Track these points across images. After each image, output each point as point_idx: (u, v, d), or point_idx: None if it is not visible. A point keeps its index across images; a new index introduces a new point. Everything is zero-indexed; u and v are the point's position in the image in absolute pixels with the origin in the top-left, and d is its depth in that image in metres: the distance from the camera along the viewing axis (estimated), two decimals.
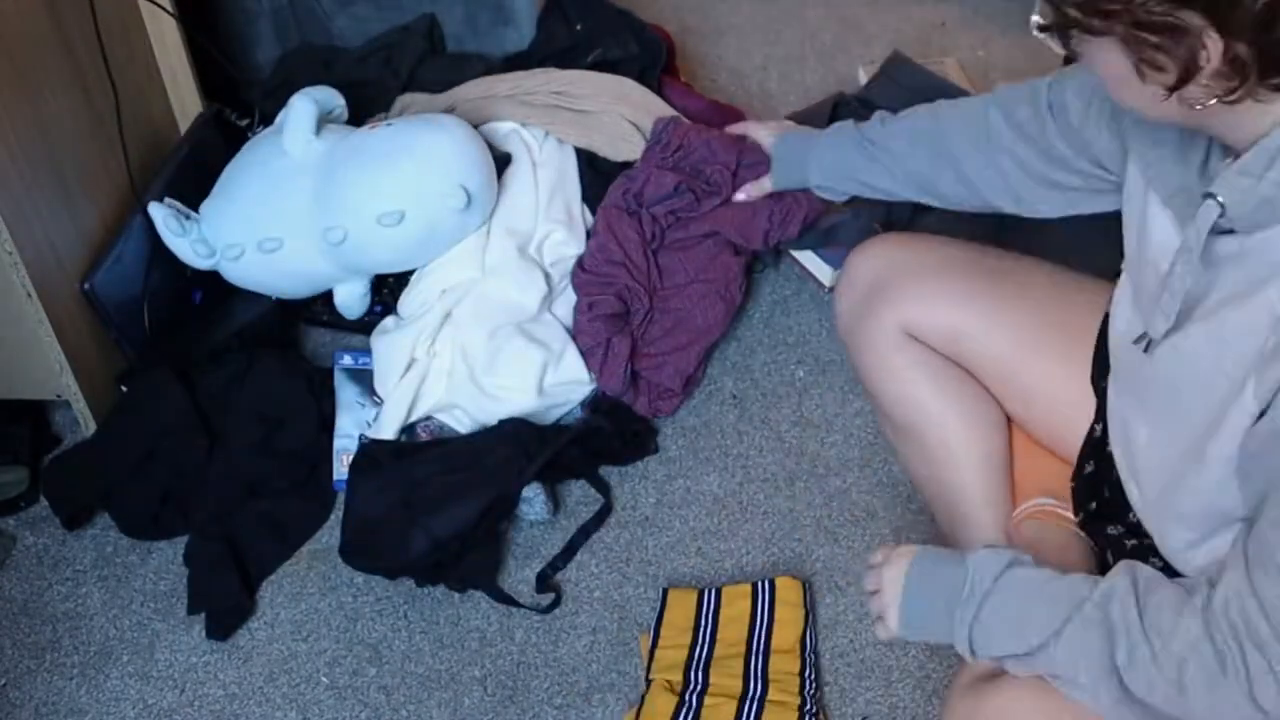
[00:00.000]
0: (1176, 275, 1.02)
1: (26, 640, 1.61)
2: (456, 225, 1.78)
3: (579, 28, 2.09)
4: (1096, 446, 1.29)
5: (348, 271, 1.83)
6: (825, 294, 1.97)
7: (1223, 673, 0.96)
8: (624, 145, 1.93)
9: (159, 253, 1.79)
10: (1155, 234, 1.12)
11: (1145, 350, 1.11)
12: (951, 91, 2.12)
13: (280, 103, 1.85)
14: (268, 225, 1.77)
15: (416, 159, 1.74)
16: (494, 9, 2.15)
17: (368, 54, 2.13)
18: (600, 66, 2.04)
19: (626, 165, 1.94)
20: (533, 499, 1.66)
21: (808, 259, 1.99)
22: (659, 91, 2.03)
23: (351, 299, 1.86)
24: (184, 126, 1.97)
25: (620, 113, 1.94)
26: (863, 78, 2.23)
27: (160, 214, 1.76)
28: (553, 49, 2.10)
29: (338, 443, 1.76)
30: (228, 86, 2.10)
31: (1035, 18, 0.99)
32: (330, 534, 1.70)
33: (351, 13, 2.17)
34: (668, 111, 1.98)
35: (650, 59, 2.09)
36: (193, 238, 1.78)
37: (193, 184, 1.84)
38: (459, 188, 1.73)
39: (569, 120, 1.94)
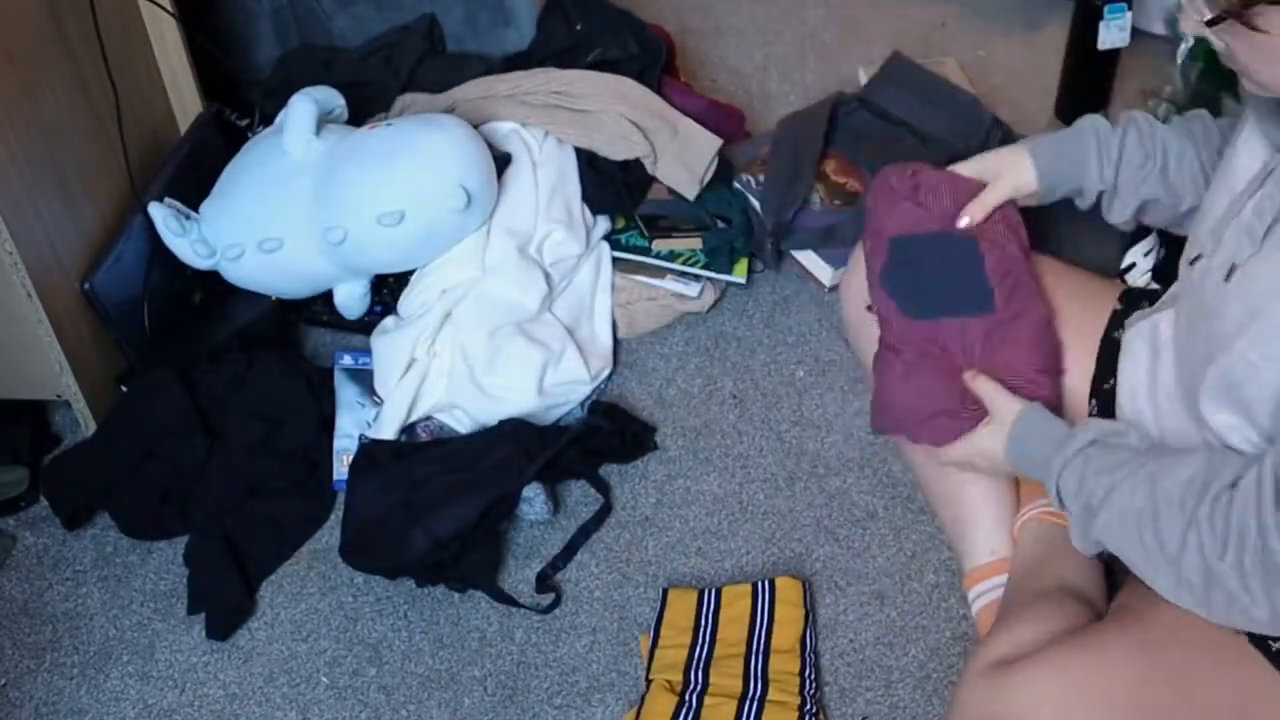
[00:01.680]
0: (1267, 197, 1.05)
1: (26, 640, 1.61)
2: (456, 225, 1.78)
3: (579, 28, 2.09)
4: None
5: (348, 271, 1.83)
6: (825, 294, 1.97)
7: None
8: (624, 145, 1.93)
9: (159, 253, 1.79)
10: (1242, 157, 1.15)
11: (1226, 279, 1.11)
12: (952, 91, 2.13)
13: (280, 103, 1.85)
14: (268, 225, 1.77)
15: (417, 159, 1.74)
16: (494, 9, 2.15)
17: (368, 54, 2.14)
18: (600, 66, 2.03)
19: (626, 165, 1.94)
20: (533, 499, 1.66)
21: (808, 259, 1.99)
22: (659, 91, 2.03)
23: (351, 299, 1.86)
24: (184, 126, 1.97)
25: (620, 112, 1.94)
26: (863, 78, 2.23)
27: (160, 214, 1.76)
28: (553, 49, 2.10)
29: (338, 443, 1.75)
30: (228, 86, 2.10)
31: (1194, 17, 1.01)
32: (330, 534, 1.70)
33: (351, 13, 2.17)
34: (668, 112, 1.98)
35: (650, 59, 2.09)
36: (193, 238, 1.78)
37: (193, 184, 1.84)
38: (459, 188, 1.73)
39: (569, 120, 1.94)
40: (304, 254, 1.78)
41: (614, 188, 1.94)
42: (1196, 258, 1.18)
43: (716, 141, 1.97)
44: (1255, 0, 0.97)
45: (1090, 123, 1.37)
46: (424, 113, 1.92)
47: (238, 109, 2.08)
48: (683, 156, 1.95)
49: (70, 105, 1.69)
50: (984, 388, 1.30)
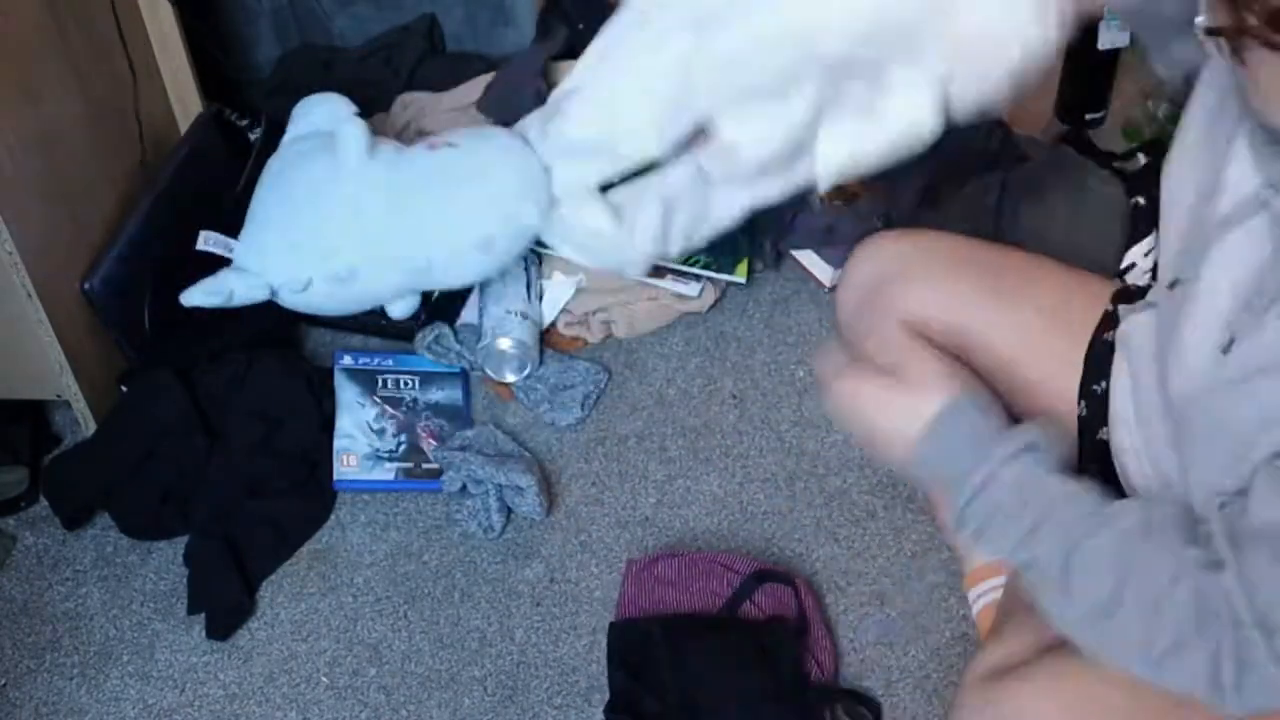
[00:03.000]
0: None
1: (26, 640, 1.61)
2: (531, 237, 1.67)
3: (579, 28, 2.09)
4: (1099, 450, 1.29)
5: (418, 290, 1.68)
6: (825, 293, 1.97)
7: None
8: None
9: (159, 253, 1.79)
10: (1231, 171, 1.09)
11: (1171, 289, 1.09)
12: None
13: (280, 103, 1.84)
14: (336, 252, 1.60)
15: (496, 182, 1.61)
16: (494, 9, 2.15)
17: (368, 54, 2.14)
18: None
19: None
20: (525, 489, 1.65)
21: (808, 258, 1.99)
22: None
23: (407, 309, 1.74)
24: (184, 126, 1.97)
25: None
26: None
27: (215, 247, 1.64)
28: (553, 49, 2.10)
29: (338, 443, 1.75)
30: (228, 86, 2.10)
31: (1200, 19, 0.96)
32: (330, 534, 1.70)
33: (351, 13, 2.17)
34: None
35: None
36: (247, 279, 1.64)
37: (193, 184, 1.84)
38: (532, 204, 1.63)
39: None
40: (378, 278, 1.63)
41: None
42: (1174, 283, 1.12)
43: None
44: (1248, 33, 0.90)
45: None
46: (474, 129, 1.81)
47: (238, 109, 2.08)
48: None
49: (70, 105, 1.69)
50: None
